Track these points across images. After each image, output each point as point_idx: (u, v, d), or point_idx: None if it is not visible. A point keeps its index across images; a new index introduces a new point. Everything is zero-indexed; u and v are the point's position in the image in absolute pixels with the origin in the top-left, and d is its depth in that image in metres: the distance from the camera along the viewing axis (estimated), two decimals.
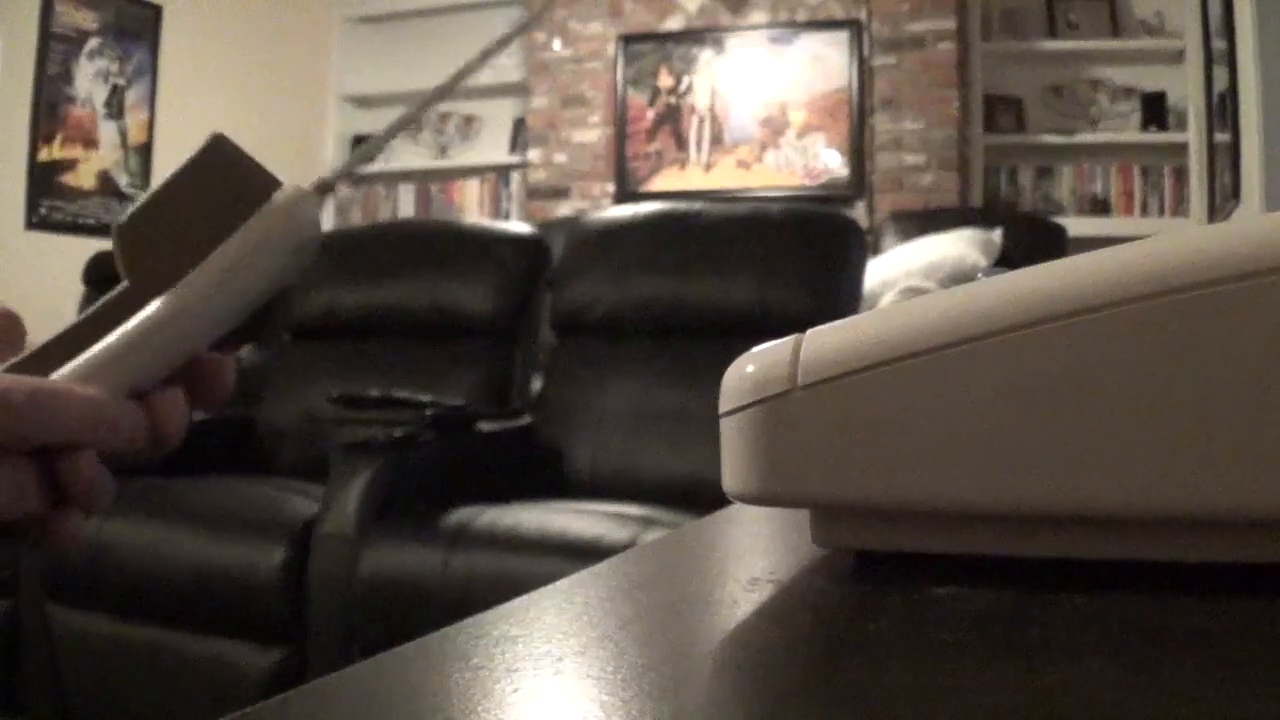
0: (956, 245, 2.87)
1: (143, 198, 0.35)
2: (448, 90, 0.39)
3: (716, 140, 4.33)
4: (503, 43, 0.43)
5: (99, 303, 0.34)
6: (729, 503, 0.42)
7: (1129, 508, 0.33)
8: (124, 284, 0.35)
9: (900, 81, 4.08)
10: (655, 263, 2.32)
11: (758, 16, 4.28)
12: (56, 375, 0.33)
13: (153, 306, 0.34)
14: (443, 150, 4.94)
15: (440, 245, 2.55)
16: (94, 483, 0.33)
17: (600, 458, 2.21)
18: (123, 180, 4.06)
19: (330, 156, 4.95)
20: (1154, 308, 0.32)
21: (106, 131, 4.00)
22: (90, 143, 3.94)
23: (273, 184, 0.36)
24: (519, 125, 4.75)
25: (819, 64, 4.19)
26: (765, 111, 4.27)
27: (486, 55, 0.42)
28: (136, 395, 0.34)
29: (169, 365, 0.35)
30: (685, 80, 4.37)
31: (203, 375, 0.36)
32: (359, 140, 5.00)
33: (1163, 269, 0.33)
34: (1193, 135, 3.81)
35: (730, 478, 0.39)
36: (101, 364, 0.33)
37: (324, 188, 0.38)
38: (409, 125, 0.41)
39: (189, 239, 0.35)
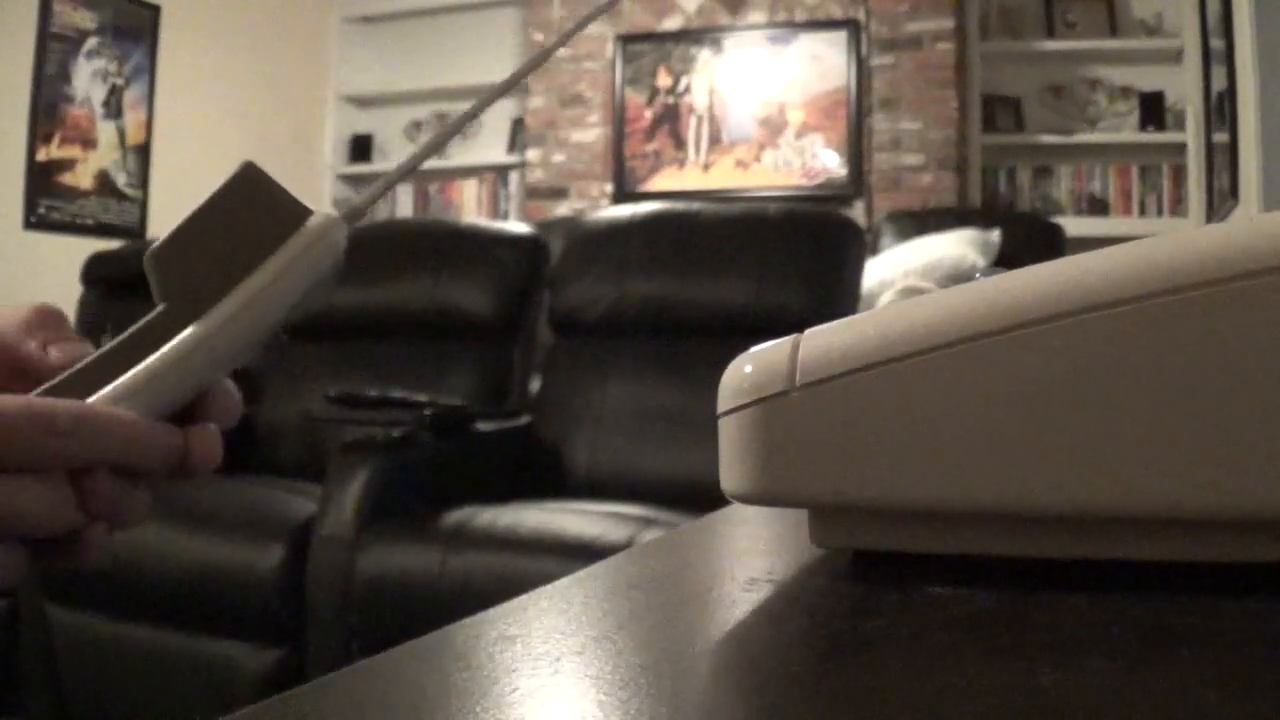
0: (955, 245, 2.87)
1: (175, 224, 0.36)
2: (481, 109, 0.40)
3: (715, 140, 4.33)
4: (540, 58, 0.43)
5: (134, 327, 0.36)
6: (727, 502, 0.42)
7: (1128, 508, 0.33)
8: (158, 309, 0.36)
9: (898, 81, 4.08)
10: (654, 263, 2.32)
11: (756, 16, 4.28)
12: (95, 398, 0.34)
13: (188, 332, 0.35)
14: (441, 150, 4.94)
15: (438, 245, 2.55)
16: (118, 500, 0.35)
17: (598, 457, 2.21)
18: (121, 180, 4.05)
19: (329, 156, 4.94)
20: (1152, 308, 0.32)
21: (105, 131, 3.99)
22: (88, 142, 3.93)
23: (302, 212, 0.37)
24: (517, 125, 4.75)
25: (817, 64, 4.19)
26: (763, 111, 4.27)
27: (531, 66, 0.42)
28: (169, 417, 0.36)
29: (200, 388, 0.36)
30: (683, 80, 4.37)
31: (215, 401, 0.37)
32: (358, 140, 4.99)
33: (1161, 269, 0.33)
34: (1191, 135, 3.81)
35: (728, 477, 0.39)
36: (139, 387, 0.35)
37: (353, 216, 0.38)
38: (440, 148, 0.41)
39: (221, 265, 0.36)
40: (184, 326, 0.35)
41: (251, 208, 0.36)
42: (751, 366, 0.38)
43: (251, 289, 0.36)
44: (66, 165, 3.86)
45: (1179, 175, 3.99)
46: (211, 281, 0.36)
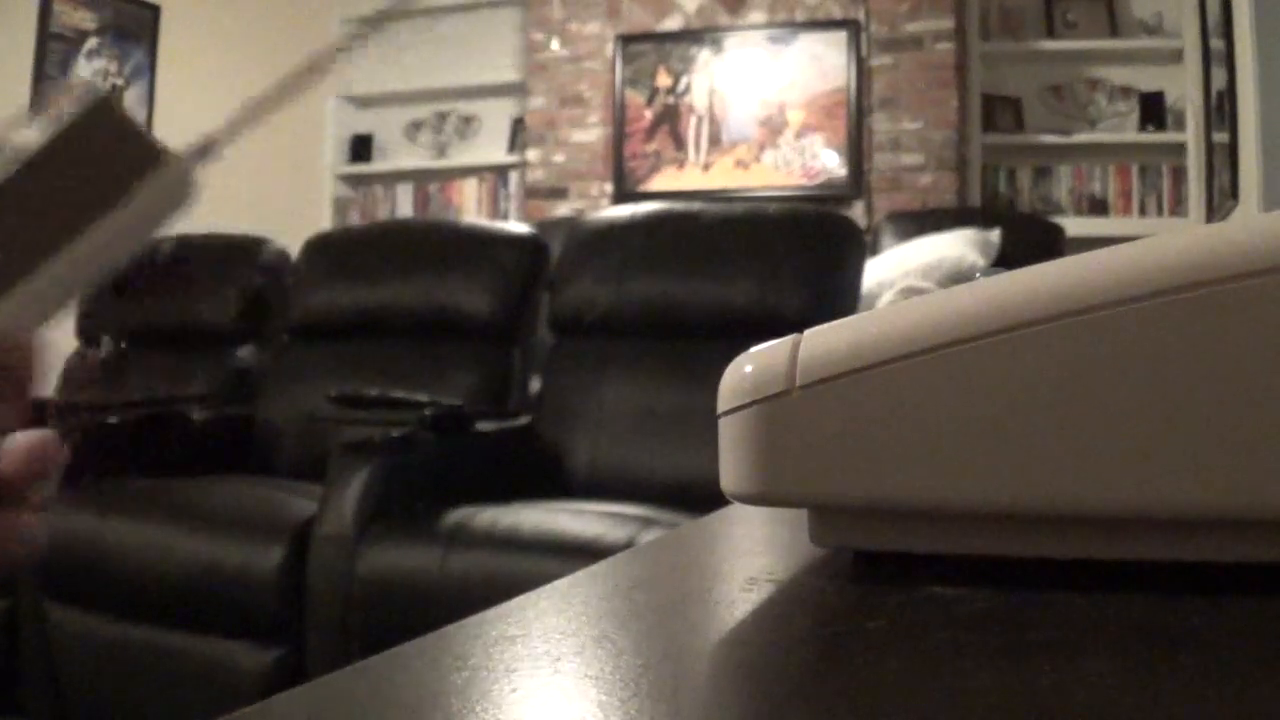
0: (955, 245, 2.87)
1: (17, 159, 0.34)
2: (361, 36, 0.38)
3: (715, 140, 4.33)
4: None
5: None
6: (727, 503, 0.42)
7: (1128, 508, 0.33)
8: None
9: (898, 81, 4.08)
10: (653, 263, 2.32)
11: (756, 16, 4.28)
12: None
13: (29, 278, 0.33)
14: (441, 150, 4.94)
15: (439, 245, 2.55)
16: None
17: (598, 458, 2.21)
18: None
19: (329, 156, 4.94)
20: (1152, 308, 0.32)
21: None
22: None
23: (157, 151, 0.35)
24: (517, 125, 4.75)
25: (817, 64, 4.19)
26: (763, 111, 4.27)
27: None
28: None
29: (39, 324, 0.34)
30: (683, 80, 4.37)
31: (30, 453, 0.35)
32: (358, 140, 4.99)
33: (1161, 269, 0.33)
34: (1191, 135, 3.81)
35: (728, 478, 0.39)
36: None
37: (204, 152, 0.37)
38: (316, 75, 0.39)
39: (68, 204, 0.34)
40: (17, 278, 0.33)
41: (102, 145, 0.35)
42: (751, 366, 0.38)
43: (100, 232, 0.34)
44: None
45: (1179, 175, 3.98)
46: (57, 221, 0.34)
